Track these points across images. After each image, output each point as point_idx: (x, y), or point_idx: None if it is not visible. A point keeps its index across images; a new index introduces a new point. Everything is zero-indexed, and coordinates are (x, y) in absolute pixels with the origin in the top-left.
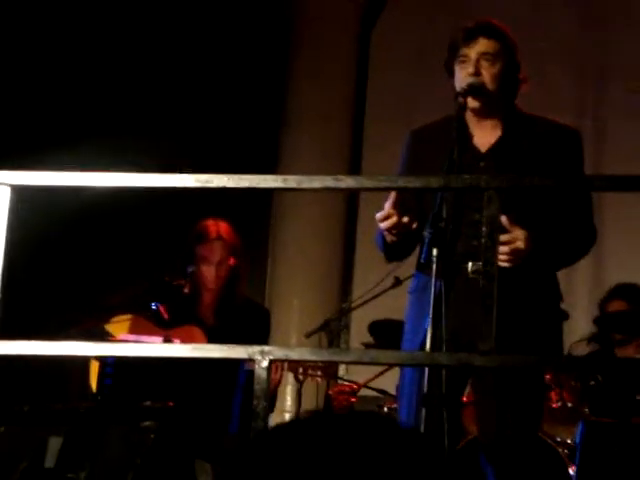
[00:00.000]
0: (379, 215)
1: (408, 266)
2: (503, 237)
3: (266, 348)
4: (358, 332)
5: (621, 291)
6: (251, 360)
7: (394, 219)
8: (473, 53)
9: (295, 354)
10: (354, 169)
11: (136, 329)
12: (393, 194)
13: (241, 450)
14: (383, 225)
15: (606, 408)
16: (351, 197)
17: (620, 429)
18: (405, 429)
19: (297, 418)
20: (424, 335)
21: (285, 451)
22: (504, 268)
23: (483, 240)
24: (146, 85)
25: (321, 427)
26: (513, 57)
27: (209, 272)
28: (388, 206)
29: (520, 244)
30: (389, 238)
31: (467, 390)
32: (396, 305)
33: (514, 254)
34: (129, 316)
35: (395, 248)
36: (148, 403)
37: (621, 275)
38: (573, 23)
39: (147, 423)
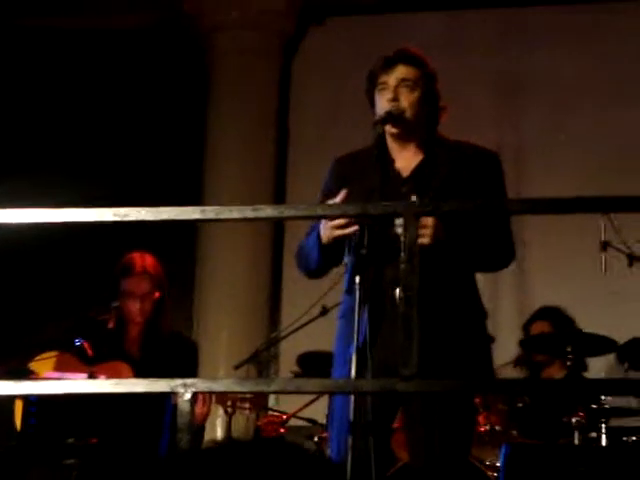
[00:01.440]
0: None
1: (335, 295)
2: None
3: (188, 381)
4: (287, 362)
5: (545, 313)
6: (174, 393)
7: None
8: (392, 80)
9: (219, 386)
10: (279, 200)
11: (61, 366)
12: (340, 197)
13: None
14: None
15: (534, 430)
16: (277, 226)
17: (543, 450)
18: (308, 454)
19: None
20: (350, 362)
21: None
22: (428, 293)
23: (402, 265)
24: (67, 123)
25: (226, 455)
26: (432, 85)
27: (134, 306)
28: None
29: (429, 221)
30: (334, 233)
31: (398, 416)
32: (324, 334)
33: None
34: (53, 353)
35: (330, 251)
36: (71, 441)
37: (545, 298)
38: (491, 40)
39: (70, 461)
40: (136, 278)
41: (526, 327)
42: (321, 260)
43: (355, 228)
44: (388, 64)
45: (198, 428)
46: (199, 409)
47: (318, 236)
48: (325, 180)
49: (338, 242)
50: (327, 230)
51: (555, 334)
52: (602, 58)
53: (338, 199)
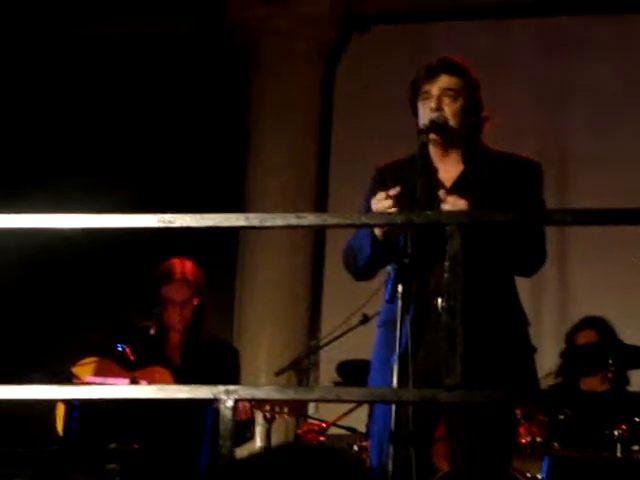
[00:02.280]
0: (379, 196)
1: (375, 303)
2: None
3: (231, 387)
4: (327, 370)
5: (591, 322)
6: (216, 400)
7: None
8: (435, 89)
9: (260, 393)
10: (321, 207)
11: (102, 371)
12: (393, 192)
13: None
14: (386, 203)
15: (576, 442)
16: (318, 235)
17: (586, 463)
18: (350, 464)
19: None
20: (392, 372)
21: None
22: (470, 302)
23: (446, 275)
24: (111, 128)
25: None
26: (475, 94)
27: (174, 312)
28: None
29: (462, 204)
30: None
31: (439, 426)
32: (364, 343)
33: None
34: (95, 358)
35: (382, 247)
36: (113, 446)
37: (587, 309)
38: (534, 49)
39: (112, 466)
40: (176, 285)
41: (570, 336)
42: (372, 257)
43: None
44: (431, 73)
45: (242, 429)
46: (239, 416)
47: (371, 232)
48: (367, 189)
49: (390, 238)
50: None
51: (597, 345)
52: None
53: (391, 193)
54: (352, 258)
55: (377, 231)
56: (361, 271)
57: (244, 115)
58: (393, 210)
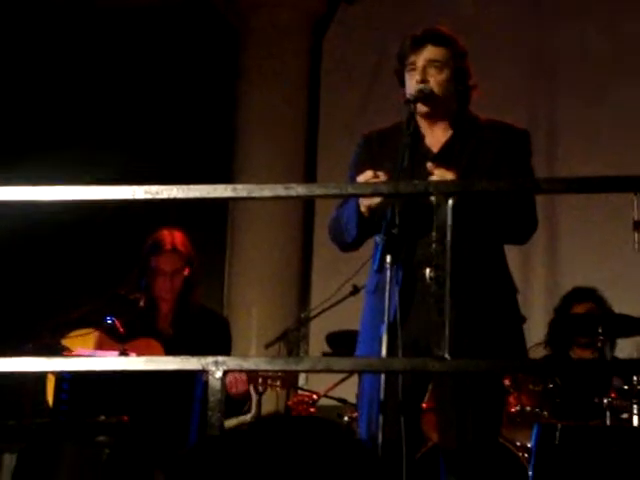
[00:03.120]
0: (365, 175)
1: (364, 274)
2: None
3: (220, 359)
4: (317, 342)
5: (585, 294)
6: (205, 371)
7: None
8: (421, 60)
9: (249, 364)
10: (310, 179)
11: (92, 344)
12: (365, 176)
13: (188, 456)
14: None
15: (566, 411)
16: (307, 206)
17: (575, 431)
18: (341, 433)
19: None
20: (380, 341)
21: (227, 457)
22: (458, 271)
23: (433, 245)
24: (98, 100)
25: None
26: (462, 63)
27: (164, 283)
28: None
29: (450, 175)
30: (375, 199)
31: (427, 396)
32: (355, 314)
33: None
34: (85, 330)
35: (368, 221)
36: (103, 418)
37: (576, 279)
38: (522, 17)
39: (101, 438)
40: (165, 255)
41: (565, 306)
42: (359, 231)
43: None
44: (417, 44)
45: (238, 404)
46: (237, 388)
47: (356, 207)
48: (354, 156)
49: (376, 215)
50: (364, 201)
51: (587, 315)
52: (636, 33)
53: (363, 177)
54: (339, 231)
55: (363, 208)
56: (348, 244)
57: (232, 87)
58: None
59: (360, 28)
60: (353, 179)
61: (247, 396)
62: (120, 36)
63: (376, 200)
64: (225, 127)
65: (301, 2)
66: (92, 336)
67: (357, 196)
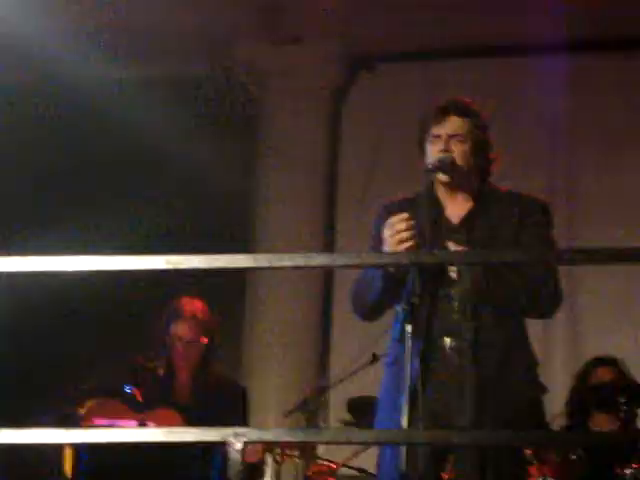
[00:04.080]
0: (396, 218)
1: (384, 343)
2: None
3: (240, 430)
4: (337, 410)
5: (607, 360)
6: (225, 443)
7: (410, 221)
8: (444, 131)
9: (270, 435)
10: (328, 249)
11: (111, 413)
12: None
13: None
14: (401, 225)
15: None
16: (326, 276)
17: None
18: None
19: None
20: (401, 412)
21: None
22: (479, 342)
23: (455, 316)
24: (120, 171)
25: None
26: (484, 135)
27: (183, 351)
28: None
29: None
30: (400, 247)
31: (449, 467)
32: (374, 382)
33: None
34: (103, 400)
35: (393, 281)
36: None
37: (597, 349)
38: (542, 82)
39: None
40: (184, 322)
41: (585, 374)
42: (383, 291)
43: (415, 242)
44: (440, 114)
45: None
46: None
47: (382, 276)
48: (374, 227)
49: (401, 270)
50: (392, 247)
51: (609, 384)
52: None
53: (398, 218)
54: (361, 294)
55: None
56: (370, 307)
57: (252, 155)
58: (406, 234)
59: (380, 96)
60: (374, 249)
61: (259, 464)
62: (142, 105)
63: (403, 247)
64: (245, 197)
65: (321, 71)
66: (109, 405)
67: (378, 266)
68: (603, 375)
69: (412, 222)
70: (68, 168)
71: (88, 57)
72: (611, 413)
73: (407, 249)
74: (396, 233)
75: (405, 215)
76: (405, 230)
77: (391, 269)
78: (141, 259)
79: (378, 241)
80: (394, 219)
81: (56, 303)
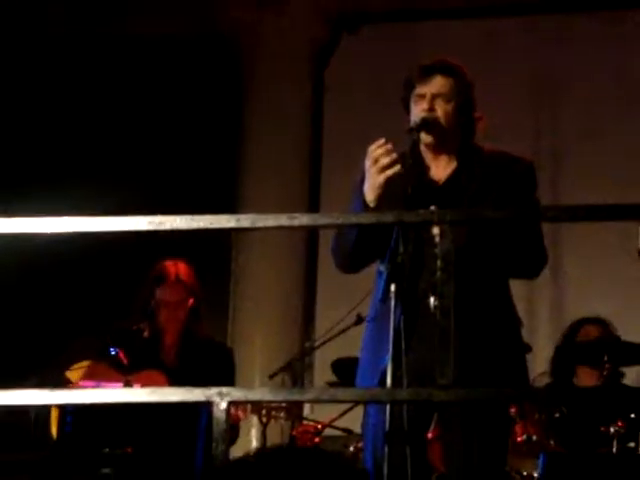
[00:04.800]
0: (374, 145)
1: (368, 304)
2: None
3: (224, 390)
4: (322, 371)
5: (594, 319)
6: (209, 402)
7: (389, 146)
8: (428, 90)
9: (254, 395)
10: (313, 209)
11: (96, 375)
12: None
13: None
14: (379, 151)
15: (572, 440)
16: (311, 236)
17: (581, 460)
18: (345, 466)
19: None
20: (384, 371)
21: None
22: (462, 301)
23: (438, 274)
24: (102, 128)
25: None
26: (468, 95)
27: (168, 314)
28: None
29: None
30: (381, 178)
31: (433, 426)
32: (358, 342)
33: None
34: (89, 362)
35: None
36: (107, 450)
37: (582, 308)
38: (528, 44)
39: (106, 470)
40: (170, 286)
41: (572, 332)
42: (363, 235)
43: (399, 167)
44: (425, 74)
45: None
46: (234, 411)
47: (362, 200)
48: (357, 183)
49: (381, 205)
50: (373, 178)
51: (594, 342)
52: (638, 62)
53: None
54: (342, 241)
55: (371, 188)
56: (351, 253)
57: (237, 118)
58: (386, 160)
59: (362, 57)
60: (356, 205)
61: (235, 424)
62: (124, 66)
63: (383, 176)
64: (229, 155)
65: (303, 31)
66: (96, 367)
67: (361, 226)
68: (589, 332)
69: (390, 147)
70: (46, 133)
71: (69, 16)
72: (595, 370)
73: (389, 178)
74: (375, 161)
75: (382, 141)
76: (384, 155)
77: (371, 203)
78: (123, 220)
79: (358, 202)
80: (372, 146)
81: (44, 267)
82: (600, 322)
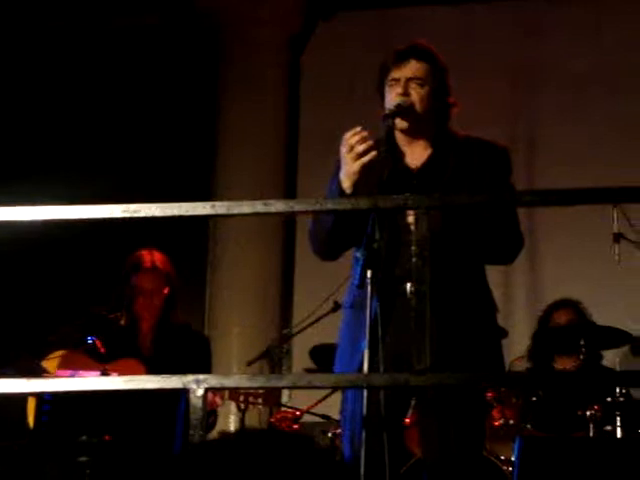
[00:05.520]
0: (349, 133)
1: (345, 291)
2: None
3: (201, 377)
4: (300, 358)
5: (568, 302)
6: (186, 389)
7: (364, 133)
8: (403, 75)
9: (230, 382)
10: (290, 196)
11: (73, 364)
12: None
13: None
14: (354, 138)
15: (549, 423)
16: (288, 223)
17: (557, 443)
18: (320, 451)
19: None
20: (361, 357)
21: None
22: (438, 286)
23: (414, 260)
24: (79, 121)
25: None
26: (443, 80)
27: (145, 301)
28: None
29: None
30: (356, 165)
31: (411, 411)
32: (336, 329)
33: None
34: (65, 351)
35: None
36: (84, 438)
37: (558, 292)
38: (504, 33)
39: (83, 458)
40: (146, 274)
41: (546, 316)
42: (339, 221)
43: (374, 153)
44: (400, 58)
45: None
46: (211, 397)
47: (338, 187)
48: (334, 170)
49: (357, 191)
50: (348, 165)
51: (569, 327)
52: (615, 49)
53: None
54: (318, 228)
55: (347, 175)
56: (327, 239)
57: (212, 106)
58: (361, 147)
59: (337, 44)
60: (333, 192)
61: (212, 411)
62: (104, 56)
63: (358, 163)
64: (205, 144)
65: (279, 19)
66: (72, 357)
67: (337, 212)
68: (561, 317)
69: (366, 134)
70: (25, 124)
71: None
72: (572, 355)
73: (364, 164)
74: (350, 148)
75: (358, 128)
76: (359, 142)
77: (349, 181)
78: (99, 208)
79: (334, 186)
80: (347, 134)
81: (19, 255)
82: (571, 304)
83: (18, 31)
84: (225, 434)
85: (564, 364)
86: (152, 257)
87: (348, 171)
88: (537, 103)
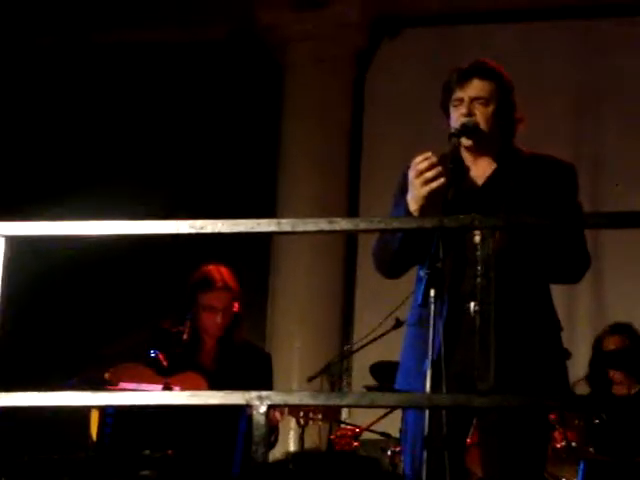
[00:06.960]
0: (419, 157)
1: (407, 307)
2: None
3: (264, 393)
4: (360, 374)
5: (618, 328)
6: (249, 406)
7: (434, 159)
8: (467, 94)
9: (293, 398)
10: (352, 214)
11: (136, 377)
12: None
13: None
14: (424, 164)
15: (611, 447)
16: (350, 240)
17: (621, 468)
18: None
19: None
20: (424, 376)
21: None
22: (503, 306)
23: (478, 279)
24: (143, 136)
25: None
26: (508, 97)
27: (214, 319)
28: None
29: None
30: (425, 189)
31: (472, 431)
32: (398, 346)
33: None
34: (129, 364)
35: (413, 235)
36: (147, 452)
37: (622, 313)
38: (567, 52)
39: (146, 472)
40: (217, 292)
41: (598, 343)
42: (405, 239)
43: (443, 180)
44: (464, 77)
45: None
46: (272, 414)
47: (406, 209)
48: (397, 188)
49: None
50: (417, 190)
51: (627, 350)
52: None
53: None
54: (383, 247)
55: (415, 199)
56: (393, 259)
57: (276, 121)
58: (430, 174)
59: (402, 61)
60: (396, 210)
61: (274, 428)
62: (166, 72)
63: (427, 188)
64: (269, 159)
65: (344, 37)
66: (135, 369)
67: (402, 230)
68: (610, 343)
69: (435, 160)
70: (83, 139)
71: (101, 21)
72: (631, 378)
73: (432, 190)
74: (419, 173)
75: (428, 154)
76: (428, 169)
77: (417, 204)
78: (165, 224)
79: (399, 203)
80: (417, 159)
81: (86, 269)
82: (621, 330)
83: (79, 46)
84: (287, 454)
85: (622, 389)
86: (222, 275)
87: (416, 195)
88: (602, 122)
